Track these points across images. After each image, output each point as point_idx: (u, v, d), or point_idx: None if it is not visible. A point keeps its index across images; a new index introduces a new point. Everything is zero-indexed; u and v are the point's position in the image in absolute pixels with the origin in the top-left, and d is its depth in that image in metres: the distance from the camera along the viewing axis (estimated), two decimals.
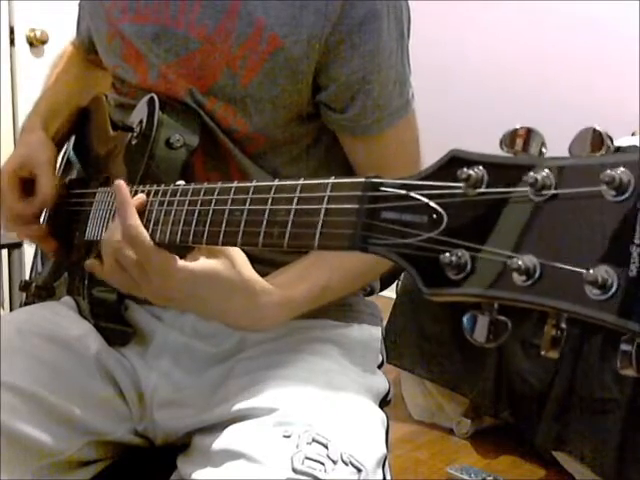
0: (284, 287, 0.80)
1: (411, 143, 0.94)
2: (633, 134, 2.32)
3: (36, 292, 1.10)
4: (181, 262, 0.72)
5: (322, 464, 0.73)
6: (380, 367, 1.00)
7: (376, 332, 1.01)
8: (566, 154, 0.38)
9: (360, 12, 0.83)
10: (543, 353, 0.38)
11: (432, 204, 0.42)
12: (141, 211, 0.73)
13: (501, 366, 2.16)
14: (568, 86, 3.06)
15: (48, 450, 0.85)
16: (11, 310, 2.22)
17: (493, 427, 2.34)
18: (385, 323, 1.07)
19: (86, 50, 1.12)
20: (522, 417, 2.14)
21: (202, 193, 0.67)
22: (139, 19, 0.93)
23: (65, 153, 1.15)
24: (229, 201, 0.63)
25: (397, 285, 2.34)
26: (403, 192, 0.44)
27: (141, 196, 0.74)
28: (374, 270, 0.93)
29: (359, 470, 0.75)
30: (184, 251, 0.73)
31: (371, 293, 1.05)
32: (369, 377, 0.94)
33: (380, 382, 0.96)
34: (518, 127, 0.41)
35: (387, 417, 0.89)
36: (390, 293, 1.81)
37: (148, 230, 0.71)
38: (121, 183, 0.74)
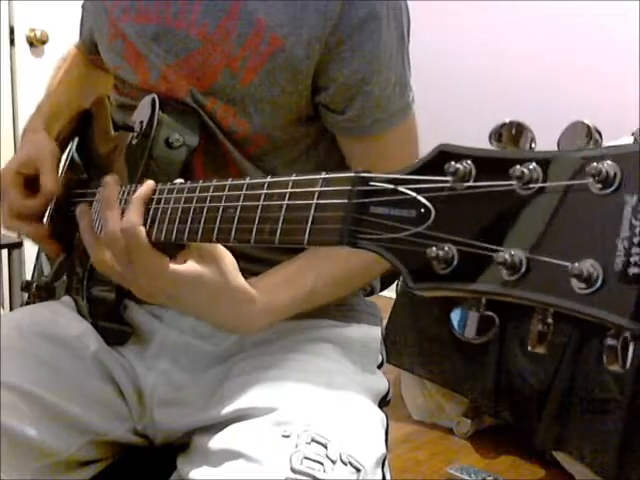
0: (268, 292, 0.79)
1: (409, 146, 0.93)
2: (633, 134, 2.31)
3: (36, 293, 1.10)
4: (170, 264, 0.72)
5: (321, 464, 0.73)
6: (380, 367, 1.00)
7: (376, 332, 1.00)
8: None
9: (360, 13, 0.83)
10: (530, 349, 0.38)
11: (420, 198, 0.42)
12: (147, 200, 0.73)
13: (501, 366, 2.16)
14: (567, 87, 3.06)
15: (48, 450, 0.85)
16: (11, 310, 2.23)
17: (493, 427, 2.34)
18: (385, 323, 1.06)
19: (87, 51, 1.12)
20: (522, 417, 2.14)
21: (197, 191, 0.67)
22: (140, 19, 0.93)
23: (69, 154, 1.16)
24: (223, 198, 0.63)
25: (397, 285, 2.34)
26: (391, 186, 0.44)
27: (150, 183, 0.74)
28: (363, 276, 0.92)
29: (358, 470, 0.75)
30: (175, 250, 0.73)
31: (371, 293, 1.05)
32: (369, 377, 0.94)
33: (380, 382, 0.96)
34: (507, 121, 0.41)
35: (387, 417, 0.89)
36: (390, 293, 1.81)
37: (145, 228, 0.72)
38: (111, 179, 0.76)
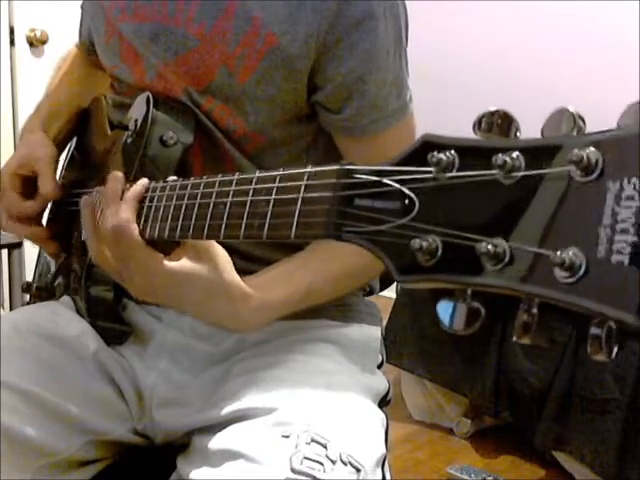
0: (263, 290, 0.79)
1: (407, 145, 0.92)
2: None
3: (36, 293, 1.10)
4: (164, 262, 0.72)
5: (321, 464, 0.73)
6: (380, 367, 1.00)
7: (375, 332, 1.00)
8: None
9: (357, 12, 0.83)
10: (515, 339, 0.37)
11: (404, 190, 0.42)
12: (140, 198, 0.73)
13: (501, 366, 2.16)
14: (568, 86, 3.05)
15: (48, 450, 0.85)
16: (11, 310, 2.22)
17: (493, 427, 2.34)
18: (385, 323, 1.06)
19: (87, 51, 1.12)
20: (522, 417, 2.13)
21: (189, 188, 0.67)
22: (138, 18, 0.93)
23: (68, 154, 1.16)
24: (214, 194, 0.63)
25: (397, 285, 2.33)
26: (375, 178, 0.43)
27: (143, 181, 0.74)
28: (362, 274, 0.91)
29: (358, 470, 0.75)
30: (170, 247, 0.73)
31: (371, 293, 1.04)
32: (368, 377, 0.94)
33: (379, 382, 0.96)
34: (492, 110, 0.40)
35: (387, 417, 0.89)
36: (390, 293, 1.80)
37: (138, 226, 0.72)
38: (118, 174, 0.76)
